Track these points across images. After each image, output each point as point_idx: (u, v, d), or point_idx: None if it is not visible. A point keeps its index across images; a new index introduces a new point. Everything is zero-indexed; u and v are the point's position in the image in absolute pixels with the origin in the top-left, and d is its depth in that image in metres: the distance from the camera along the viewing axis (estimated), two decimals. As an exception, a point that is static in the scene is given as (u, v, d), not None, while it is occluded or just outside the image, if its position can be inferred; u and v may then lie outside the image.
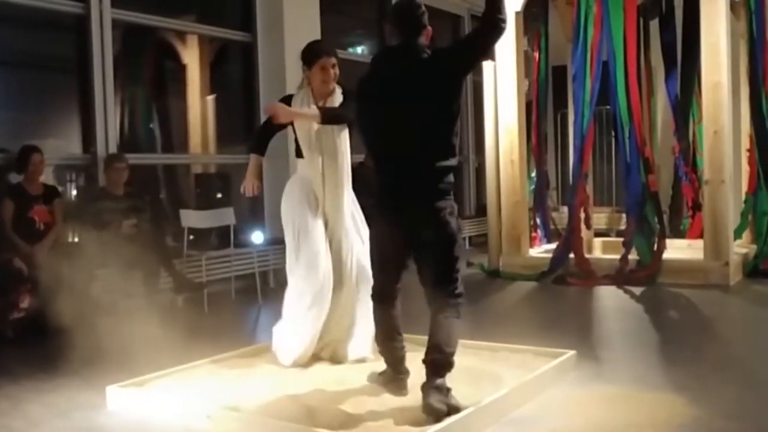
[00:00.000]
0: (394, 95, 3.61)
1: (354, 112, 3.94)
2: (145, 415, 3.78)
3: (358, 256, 4.61)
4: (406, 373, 3.90)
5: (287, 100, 4.66)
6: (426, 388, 3.49)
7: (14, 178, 6.45)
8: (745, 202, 8.25)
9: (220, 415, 3.60)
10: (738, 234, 8.06)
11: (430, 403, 3.42)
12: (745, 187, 8.29)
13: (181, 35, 8.57)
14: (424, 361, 3.56)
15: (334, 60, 4.62)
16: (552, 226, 9.29)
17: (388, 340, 3.90)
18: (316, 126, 4.56)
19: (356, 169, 4.83)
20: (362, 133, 3.81)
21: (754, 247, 8.02)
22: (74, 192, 7.67)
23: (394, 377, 3.89)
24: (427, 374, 3.53)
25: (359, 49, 11.28)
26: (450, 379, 3.77)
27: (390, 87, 3.64)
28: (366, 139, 3.77)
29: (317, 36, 8.60)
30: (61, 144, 7.41)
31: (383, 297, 3.88)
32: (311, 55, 4.64)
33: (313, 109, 4.47)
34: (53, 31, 7.58)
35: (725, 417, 3.55)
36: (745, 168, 8.34)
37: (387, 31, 3.93)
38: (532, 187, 9.09)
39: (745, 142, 8.38)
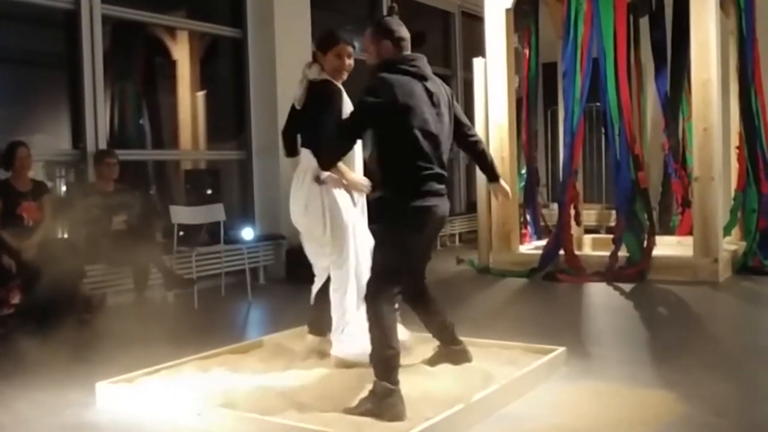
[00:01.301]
0: (438, 104, 3.81)
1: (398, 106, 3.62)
2: (135, 412, 3.77)
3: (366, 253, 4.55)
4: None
5: (336, 90, 4.40)
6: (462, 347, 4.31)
7: (2, 174, 6.41)
8: (735, 199, 8.27)
9: (210, 412, 3.59)
10: (727, 231, 8.09)
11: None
12: (734, 184, 8.32)
13: (172, 31, 8.55)
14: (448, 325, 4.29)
15: (351, 50, 4.47)
16: (542, 223, 9.31)
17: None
18: None
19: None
20: (406, 133, 3.66)
21: (744, 244, 8.05)
22: (64, 188, 7.64)
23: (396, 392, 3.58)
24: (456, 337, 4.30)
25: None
26: (439, 376, 3.82)
27: (434, 95, 3.79)
28: (413, 140, 3.67)
29: (307, 33, 8.61)
30: (51, 140, 7.39)
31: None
32: (330, 39, 4.45)
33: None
34: (43, 26, 7.56)
35: (715, 413, 3.57)
36: (735, 165, 8.36)
37: (386, 46, 3.80)
38: (523, 183, 9.10)
39: (735, 140, 8.40)
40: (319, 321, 4.59)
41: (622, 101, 7.73)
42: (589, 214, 9.99)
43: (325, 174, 4.06)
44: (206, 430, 3.50)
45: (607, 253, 7.67)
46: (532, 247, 8.80)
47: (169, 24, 8.36)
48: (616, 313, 6.30)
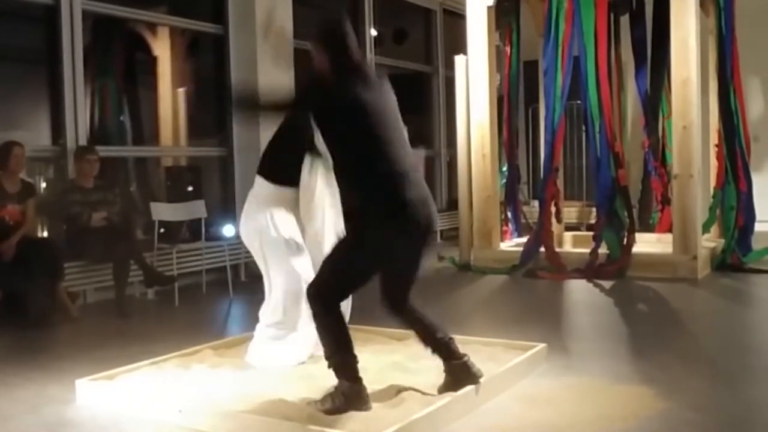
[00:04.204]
0: (387, 104, 3.66)
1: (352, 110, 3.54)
2: (116, 409, 3.76)
3: None
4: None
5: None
6: (463, 361, 3.74)
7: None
8: (713, 196, 8.33)
9: (191, 409, 3.59)
10: (706, 228, 8.14)
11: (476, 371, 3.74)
12: (713, 182, 8.38)
13: (152, 27, 8.51)
14: (441, 344, 3.75)
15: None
16: (523, 220, 9.33)
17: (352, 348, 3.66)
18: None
19: None
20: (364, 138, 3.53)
21: (722, 241, 8.10)
22: (43, 184, 7.60)
23: (362, 389, 3.59)
24: (455, 351, 3.76)
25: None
26: (421, 372, 3.82)
27: (381, 96, 3.66)
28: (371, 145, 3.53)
29: (289, 28, 8.58)
30: (31, 136, 7.33)
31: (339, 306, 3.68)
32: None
33: None
34: (22, 22, 7.50)
35: (692, 409, 3.60)
36: (714, 163, 8.42)
37: (323, 48, 3.72)
38: (504, 181, 9.12)
39: (714, 138, 8.45)
40: None
41: (602, 99, 7.76)
42: (570, 212, 10.02)
43: None
44: (187, 427, 3.49)
45: (588, 250, 7.71)
46: (512, 244, 8.82)
47: (149, 20, 8.33)
48: (596, 309, 6.34)
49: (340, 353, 3.59)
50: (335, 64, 3.62)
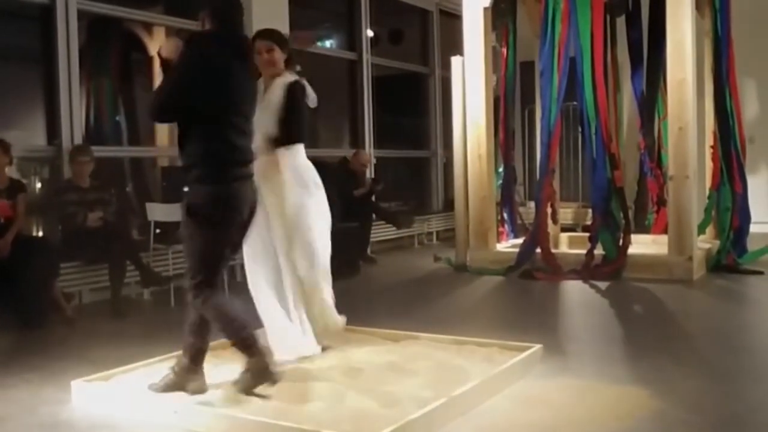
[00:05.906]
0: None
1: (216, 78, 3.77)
2: (111, 410, 3.75)
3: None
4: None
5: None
6: None
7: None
8: (709, 197, 8.34)
9: (187, 410, 3.58)
10: (701, 229, 8.15)
11: None
12: (708, 183, 8.38)
13: (148, 27, 8.51)
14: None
15: (267, 44, 4.62)
16: (519, 221, 9.34)
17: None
18: None
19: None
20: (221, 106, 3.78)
21: (717, 242, 8.11)
22: (39, 185, 7.58)
23: (271, 355, 3.81)
24: None
25: (327, 43, 11.25)
26: (416, 373, 3.82)
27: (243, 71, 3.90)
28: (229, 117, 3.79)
29: (285, 30, 8.57)
30: (26, 136, 7.33)
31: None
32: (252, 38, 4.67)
33: None
34: (18, 21, 7.49)
35: (687, 410, 3.60)
36: (709, 164, 8.43)
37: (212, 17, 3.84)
38: (500, 182, 9.13)
39: (709, 139, 8.47)
40: None
41: (598, 100, 7.77)
42: (566, 213, 10.03)
43: None
44: (182, 428, 3.49)
45: (584, 251, 7.71)
46: (509, 245, 8.83)
47: (145, 19, 8.32)
48: (592, 310, 6.34)
49: (240, 330, 3.78)
50: (217, 30, 3.92)
